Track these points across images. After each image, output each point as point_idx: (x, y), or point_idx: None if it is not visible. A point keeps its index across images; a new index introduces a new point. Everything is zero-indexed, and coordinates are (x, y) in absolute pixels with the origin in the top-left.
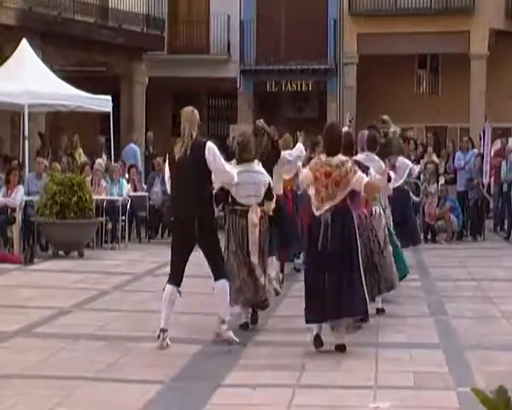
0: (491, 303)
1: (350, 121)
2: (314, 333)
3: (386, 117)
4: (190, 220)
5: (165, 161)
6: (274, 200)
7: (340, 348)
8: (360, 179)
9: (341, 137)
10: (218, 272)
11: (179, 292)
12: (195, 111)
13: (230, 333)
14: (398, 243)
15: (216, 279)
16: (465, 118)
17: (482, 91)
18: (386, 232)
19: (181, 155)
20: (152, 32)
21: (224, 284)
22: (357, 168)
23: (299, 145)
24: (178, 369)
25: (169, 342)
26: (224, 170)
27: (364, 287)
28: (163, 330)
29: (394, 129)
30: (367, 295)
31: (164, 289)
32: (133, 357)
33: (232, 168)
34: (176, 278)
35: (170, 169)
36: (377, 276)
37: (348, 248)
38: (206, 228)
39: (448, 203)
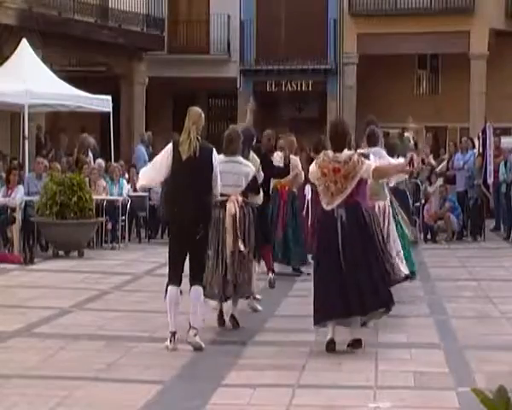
0: (491, 303)
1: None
2: (328, 337)
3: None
4: (192, 220)
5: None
6: (260, 194)
7: (355, 345)
8: (368, 167)
9: (347, 133)
10: (197, 276)
11: (180, 292)
12: (203, 114)
13: (197, 338)
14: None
15: (192, 284)
16: (465, 118)
17: (482, 91)
18: (394, 227)
19: (189, 155)
20: (152, 32)
21: (198, 290)
22: (363, 159)
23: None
24: (178, 369)
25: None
26: (217, 180)
27: (385, 276)
28: (174, 333)
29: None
30: (388, 281)
31: (166, 292)
32: (133, 357)
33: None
34: (177, 278)
35: (173, 167)
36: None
37: (367, 242)
38: (201, 228)
39: (448, 203)
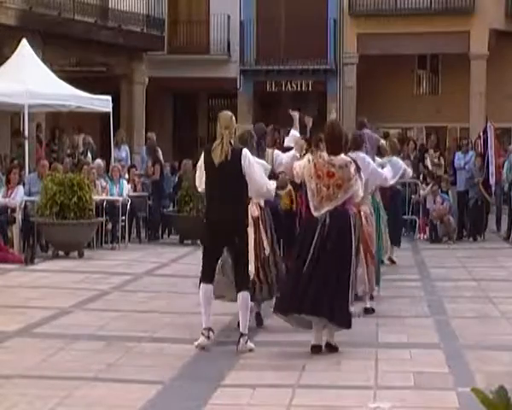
0: (491, 303)
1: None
2: (312, 342)
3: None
4: (226, 223)
5: (194, 165)
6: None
7: (331, 348)
8: (359, 191)
9: (343, 136)
10: (242, 282)
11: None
12: (233, 117)
13: (250, 345)
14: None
15: (238, 290)
16: (465, 118)
17: (482, 91)
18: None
19: (221, 160)
20: (152, 32)
21: (245, 296)
22: (358, 176)
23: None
24: (178, 369)
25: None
26: (255, 178)
27: (349, 298)
28: (209, 329)
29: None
30: (350, 307)
31: (199, 289)
32: (133, 357)
33: (266, 179)
34: (210, 276)
35: (207, 173)
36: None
37: (342, 253)
38: (239, 234)
39: (446, 203)
